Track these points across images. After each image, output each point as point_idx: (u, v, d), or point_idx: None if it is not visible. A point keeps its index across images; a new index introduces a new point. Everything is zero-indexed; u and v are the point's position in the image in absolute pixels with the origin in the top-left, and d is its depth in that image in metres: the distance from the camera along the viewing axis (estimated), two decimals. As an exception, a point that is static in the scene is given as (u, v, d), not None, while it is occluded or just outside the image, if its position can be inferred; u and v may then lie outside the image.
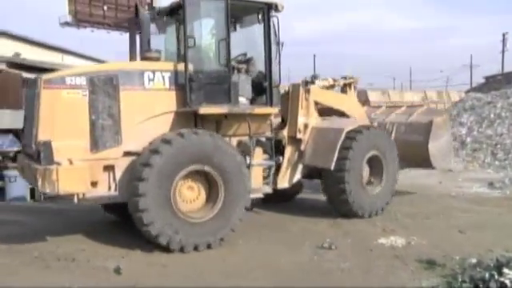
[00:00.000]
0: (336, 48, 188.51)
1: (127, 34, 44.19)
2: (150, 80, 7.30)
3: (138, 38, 7.95)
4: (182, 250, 6.86)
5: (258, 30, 8.28)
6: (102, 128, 6.93)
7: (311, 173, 9.24)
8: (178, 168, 6.90)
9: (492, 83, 34.64)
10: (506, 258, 5.91)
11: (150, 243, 7.03)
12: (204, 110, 7.37)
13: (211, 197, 7.33)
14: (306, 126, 9.01)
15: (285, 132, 8.95)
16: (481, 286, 5.15)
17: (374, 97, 31.32)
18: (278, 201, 9.89)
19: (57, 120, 6.75)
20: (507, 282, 5.05)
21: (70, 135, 6.76)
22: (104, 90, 6.97)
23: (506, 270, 5.32)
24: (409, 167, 10.71)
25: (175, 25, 8.49)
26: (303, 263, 6.49)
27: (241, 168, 7.39)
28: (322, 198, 10.11)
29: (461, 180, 13.49)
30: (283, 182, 8.82)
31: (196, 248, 6.95)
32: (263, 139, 8.49)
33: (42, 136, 6.64)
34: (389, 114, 11.14)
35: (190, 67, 7.41)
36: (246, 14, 8.49)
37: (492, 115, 19.03)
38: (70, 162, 6.52)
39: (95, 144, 6.87)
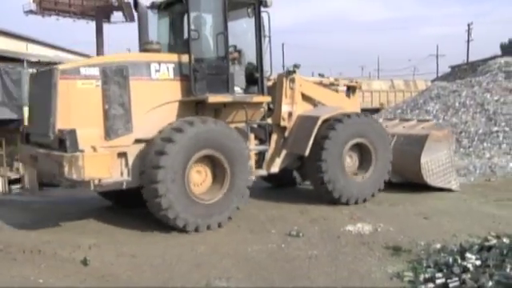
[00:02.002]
0: (308, 38, 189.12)
1: (94, 23, 43.43)
2: (156, 71, 7.72)
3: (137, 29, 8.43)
4: (196, 230, 7.37)
5: (245, 23, 8.80)
6: (115, 117, 7.25)
7: (296, 161, 9.55)
8: (191, 154, 7.38)
9: (457, 72, 35.21)
10: (469, 243, 6.09)
11: (117, 234, 7.17)
12: (212, 98, 7.89)
13: (217, 179, 7.84)
14: (290, 115, 9.26)
15: (270, 120, 9.15)
16: (444, 270, 5.28)
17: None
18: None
19: (73, 109, 7.04)
20: (469, 266, 5.19)
21: (86, 124, 7.00)
22: (115, 80, 7.29)
23: (468, 255, 5.47)
24: (402, 180, 10.32)
25: (168, 18, 8.98)
26: (272, 251, 6.51)
27: (244, 152, 7.97)
28: (292, 188, 10.27)
29: (427, 167, 13.69)
30: (269, 168, 9.16)
31: (209, 227, 7.49)
32: (255, 126, 8.87)
33: (61, 125, 6.91)
34: (396, 127, 11.25)
35: (193, 59, 7.86)
36: (234, 8, 8.65)
37: (457, 104, 19.32)
38: (94, 149, 6.86)
39: (109, 132, 7.19)
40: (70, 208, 9.21)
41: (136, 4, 8.59)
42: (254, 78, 8.62)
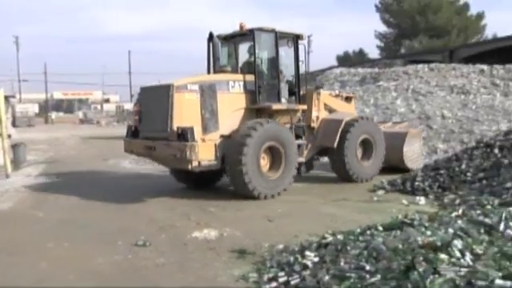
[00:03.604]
0: (155, 46, 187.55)
1: None
2: (232, 87, 10.74)
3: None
4: (258, 196, 10.17)
5: (284, 51, 11.68)
6: (208, 119, 10.10)
7: (321, 152, 12.54)
8: (265, 141, 10.35)
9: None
10: (308, 241, 6.38)
11: None
12: (275, 106, 11.08)
13: (275, 163, 10.76)
14: (317, 118, 12.29)
15: (303, 122, 12.00)
16: (286, 269, 5.49)
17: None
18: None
19: (183, 113, 9.88)
20: (309, 263, 5.45)
21: (192, 123, 9.72)
22: (208, 93, 10.17)
23: (307, 253, 5.74)
24: (388, 165, 13.12)
25: (228, 46, 12.16)
26: (118, 262, 6.38)
27: (294, 144, 11.05)
28: (141, 197, 10.12)
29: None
30: (302, 157, 11.79)
31: (265, 197, 10.28)
32: (294, 126, 11.67)
33: (176, 124, 9.76)
34: None
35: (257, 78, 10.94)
36: (279, 40, 11.36)
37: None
38: (203, 140, 9.88)
39: (204, 129, 10.01)
40: None
41: (211, 37, 11.22)
42: (292, 92, 11.67)
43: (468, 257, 4.71)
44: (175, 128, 9.74)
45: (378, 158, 12.82)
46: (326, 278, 4.90)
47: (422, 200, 9.64)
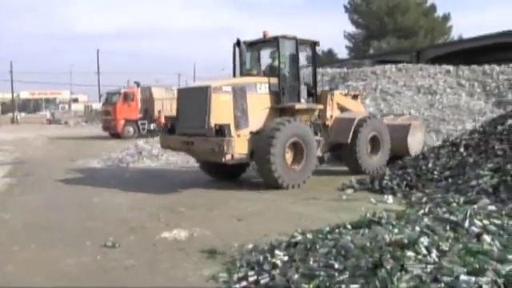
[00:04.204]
0: (121, 44, 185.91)
1: None
2: (259, 88, 11.81)
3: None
4: (285, 187, 11.22)
5: (301, 56, 12.74)
6: (239, 117, 11.18)
7: (334, 147, 13.61)
8: (289, 138, 11.39)
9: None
10: (278, 241, 6.41)
11: None
12: (298, 106, 12.18)
13: (297, 157, 11.75)
14: (331, 117, 13.41)
15: (319, 120, 13.12)
16: (256, 268, 5.51)
17: (157, 94, 31.37)
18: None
19: (219, 111, 10.94)
20: (278, 262, 5.48)
21: (227, 121, 10.86)
22: (239, 94, 11.28)
23: (277, 252, 5.78)
24: (393, 155, 14.04)
25: (251, 51, 13.11)
26: (87, 264, 6.31)
27: (314, 140, 12.11)
28: (110, 197, 10.03)
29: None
30: (319, 152, 12.80)
31: (292, 186, 11.35)
32: (313, 124, 12.75)
33: (213, 121, 10.78)
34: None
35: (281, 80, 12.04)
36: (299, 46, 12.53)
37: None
38: (238, 136, 11.00)
39: (237, 126, 11.07)
40: None
41: (239, 43, 12.13)
42: (310, 93, 12.87)
43: (434, 253, 4.81)
44: (212, 125, 10.76)
45: (384, 152, 13.94)
46: (296, 276, 4.93)
47: (389, 198, 9.75)
